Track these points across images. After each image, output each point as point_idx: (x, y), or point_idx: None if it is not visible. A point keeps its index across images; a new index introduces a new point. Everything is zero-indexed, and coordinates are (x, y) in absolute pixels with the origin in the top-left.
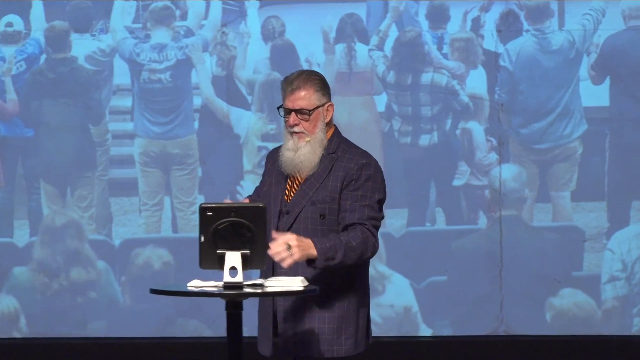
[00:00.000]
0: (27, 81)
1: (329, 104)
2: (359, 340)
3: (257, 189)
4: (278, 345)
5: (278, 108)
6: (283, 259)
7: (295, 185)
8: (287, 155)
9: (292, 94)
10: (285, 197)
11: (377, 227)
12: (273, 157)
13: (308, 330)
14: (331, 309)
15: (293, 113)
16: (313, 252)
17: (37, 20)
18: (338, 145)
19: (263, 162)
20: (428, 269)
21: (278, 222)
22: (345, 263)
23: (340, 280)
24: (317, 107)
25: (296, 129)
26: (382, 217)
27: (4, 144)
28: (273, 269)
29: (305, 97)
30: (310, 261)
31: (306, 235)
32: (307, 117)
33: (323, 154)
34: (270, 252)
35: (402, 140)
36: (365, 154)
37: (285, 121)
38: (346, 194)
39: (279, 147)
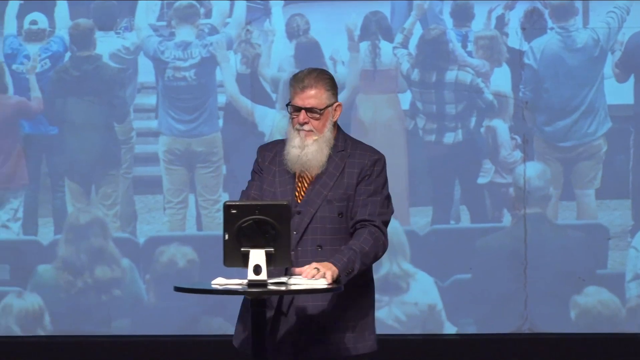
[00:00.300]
0: (51, 79)
1: (337, 103)
2: (375, 337)
3: (253, 187)
4: (284, 345)
5: (287, 105)
6: (319, 278)
7: (304, 185)
8: (293, 152)
9: (303, 92)
10: (296, 197)
11: (386, 223)
12: (268, 154)
13: (329, 329)
14: (350, 308)
15: (303, 111)
16: (335, 270)
17: (61, 18)
18: (345, 142)
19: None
20: (452, 267)
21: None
22: (362, 269)
23: (355, 279)
24: (327, 106)
25: (305, 127)
26: (392, 212)
27: (29, 141)
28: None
29: (316, 96)
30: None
31: (323, 234)
32: (317, 115)
33: (331, 153)
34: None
35: (426, 138)
36: (374, 149)
37: (293, 118)
38: (359, 189)
39: (271, 144)
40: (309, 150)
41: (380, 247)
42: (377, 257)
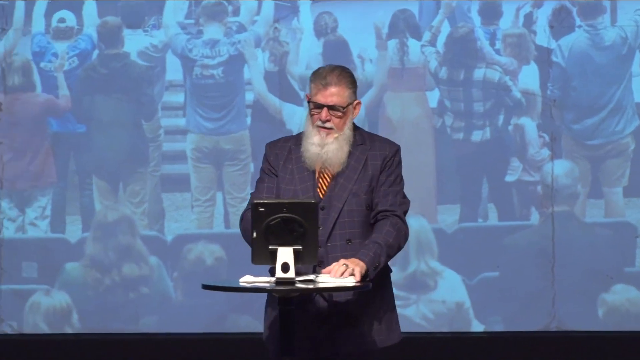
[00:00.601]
0: (79, 77)
1: (357, 101)
2: (399, 328)
3: (265, 189)
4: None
5: (309, 102)
6: (348, 275)
7: (326, 181)
8: (313, 150)
9: (326, 89)
10: (319, 193)
11: (406, 212)
12: (281, 152)
13: (360, 322)
14: (376, 300)
15: (325, 108)
16: (363, 266)
17: (89, 16)
18: (362, 136)
19: None
20: (480, 265)
21: None
22: (387, 261)
23: (379, 273)
24: (349, 104)
25: (327, 124)
26: (409, 202)
27: (57, 139)
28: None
29: (339, 94)
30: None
31: (352, 228)
32: (339, 113)
33: (350, 148)
34: (333, 276)
35: (454, 136)
36: (391, 140)
37: (313, 115)
38: (380, 179)
39: (281, 141)
40: (329, 148)
41: (402, 237)
42: (400, 248)
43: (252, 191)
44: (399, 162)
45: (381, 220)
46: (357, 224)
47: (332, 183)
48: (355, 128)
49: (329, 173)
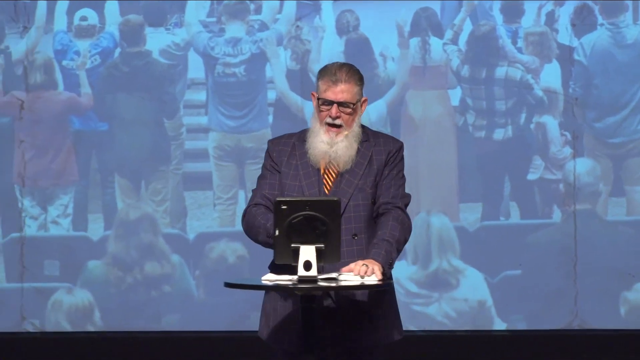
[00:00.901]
0: (101, 75)
1: (364, 98)
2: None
3: (267, 186)
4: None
5: (318, 99)
6: (371, 274)
7: (331, 177)
8: (321, 148)
9: (336, 85)
10: (324, 189)
11: (407, 205)
12: (284, 149)
13: (373, 317)
14: (383, 295)
15: (335, 105)
16: (380, 266)
17: (111, 14)
18: (366, 133)
19: None
20: (502, 263)
21: None
22: (398, 256)
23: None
24: (357, 101)
25: (337, 121)
26: (410, 197)
27: (78, 138)
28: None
29: (349, 91)
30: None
31: (358, 223)
32: (349, 110)
33: (357, 146)
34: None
35: (476, 134)
36: (395, 137)
37: (321, 111)
38: (384, 173)
39: (285, 138)
40: (338, 147)
41: (407, 230)
42: (406, 241)
43: (254, 188)
44: (402, 158)
45: (383, 215)
46: (363, 219)
47: (338, 179)
48: (361, 125)
49: (334, 169)
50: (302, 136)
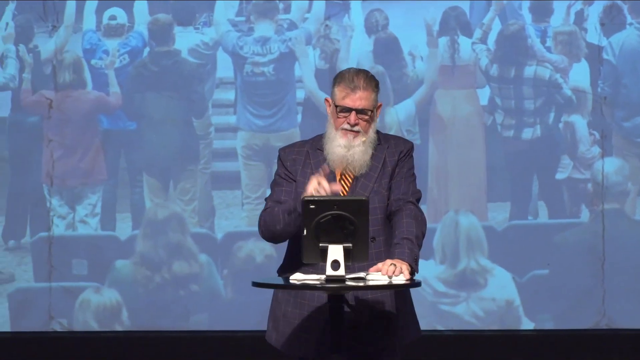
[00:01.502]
0: (130, 74)
1: (379, 104)
2: None
3: (283, 192)
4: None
5: (336, 106)
6: (399, 274)
7: (347, 181)
8: (338, 152)
9: (355, 93)
10: (341, 194)
11: (419, 200)
12: (298, 157)
13: (397, 314)
14: (401, 293)
15: (354, 112)
16: (407, 265)
17: (140, 13)
18: (378, 136)
19: None
20: (530, 263)
21: None
22: (419, 250)
23: None
24: (375, 107)
25: (356, 128)
26: (421, 193)
27: (107, 137)
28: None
29: (368, 97)
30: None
31: (375, 226)
32: (367, 117)
33: (372, 151)
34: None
35: (505, 133)
36: (405, 138)
37: (339, 118)
38: (396, 171)
39: (297, 146)
40: (355, 151)
41: (422, 223)
42: (424, 235)
43: (266, 196)
44: (412, 157)
45: (397, 213)
46: (380, 221)
47: (354, 183)
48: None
49: (350, 174)
50: (315, 144)
